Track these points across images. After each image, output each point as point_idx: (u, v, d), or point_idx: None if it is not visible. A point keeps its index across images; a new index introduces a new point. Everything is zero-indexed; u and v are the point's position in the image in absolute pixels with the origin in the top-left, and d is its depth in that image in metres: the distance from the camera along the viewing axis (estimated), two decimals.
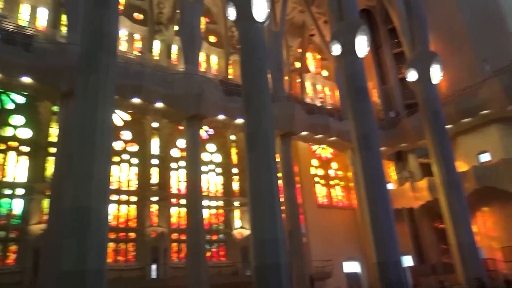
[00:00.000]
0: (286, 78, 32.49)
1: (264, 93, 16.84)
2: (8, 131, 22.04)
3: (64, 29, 23.24)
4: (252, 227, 15.20)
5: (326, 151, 34.42)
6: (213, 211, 27.54)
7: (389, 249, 17.21)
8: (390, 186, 28.89)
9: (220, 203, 27.96)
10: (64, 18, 23.75)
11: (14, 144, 22.00)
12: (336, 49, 21.32)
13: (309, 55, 37.66)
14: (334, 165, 34.54)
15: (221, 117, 24.63)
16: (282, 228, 14.96)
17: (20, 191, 21.34)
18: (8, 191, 21.09)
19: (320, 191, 32.74)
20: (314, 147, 33.49)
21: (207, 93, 23.17)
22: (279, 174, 21.55)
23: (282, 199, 16.72)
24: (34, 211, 21.11)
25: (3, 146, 21.67)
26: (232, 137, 29.98)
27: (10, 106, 22.41)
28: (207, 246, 24.20)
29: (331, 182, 33.78)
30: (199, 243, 21.05)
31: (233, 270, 25.64)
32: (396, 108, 34.34)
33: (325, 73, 38.25)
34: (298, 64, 35.80)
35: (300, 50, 36.15)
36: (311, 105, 32.84)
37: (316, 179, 32.89)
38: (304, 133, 28.21)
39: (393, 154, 33.54)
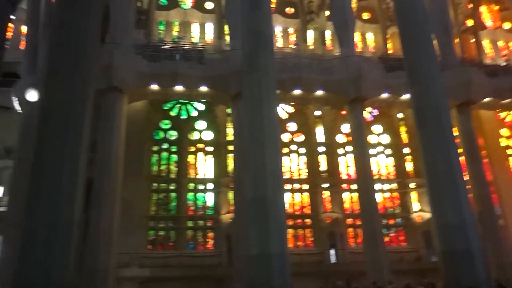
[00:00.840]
0: (457, 40, 28.59)
1: (430, 62, 15.23)
2: (195, 135, 25.73)
3: (227, 38, 25.69)
4: (432, 210, 13.97)
5: None
6: (387, 194, 26.35)
7: None
8: None
9: (394, 185, 26.56)
10: (226, 28, 26.24)
11: (201, 146, 25.56)
12: None
13: (483, 8, 32.25)
14: None
15: (384, 95, 23.35)
16: (470, 209, 13.26)
17: (210, 185, 24.68)
18: (201, 186, 24.66)
19: None
20: (503, 114, 28.57)
21: (367, 73, 22.30)
22: (459, 150, 19.20)
23: (466, 177, 14.80)
24: (223, 202, 24.08)
25: (193, 149, 25.41)
26: (400, 115, 28.02)
27: (194, 113, 26.07)
28: (384, 231, 23.34)
29: None
30: (375, 228, 20.50)
31: (416, 256, 24.07)
32: None
33: (507, 25, 32.20)
34: (470, 22, 31.05)
35: (471, 6, 31.25)
36: (492, 66, 28.10)
37: (510, 151, 28.03)
38: (487, 99, 24.37)
39: None
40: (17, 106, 22.32)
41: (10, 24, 18.73)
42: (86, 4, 11.52)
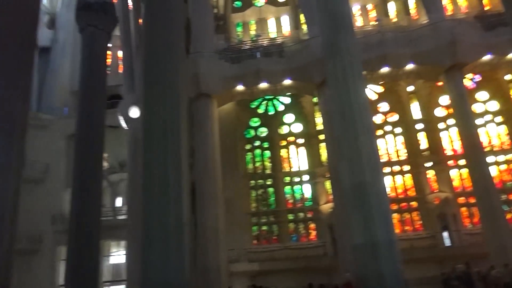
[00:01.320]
0: None
1: None
2: (284, 129, 25.93)
3: (304, 27, 25.36)
4: None
5: None
6: (503, 166, 23.59)
7: None
8: None
9: (510, 156, 23.70)
10: (302, 18, 25.89)
11: (291, 139, 25.69)
12: None
13: None
14: None
15: (486, 57, 20.97)
16: None
17: (305, 177, 24.69)
18: (297, 179, 24.80)
19: None
20: None
21: (462, 36, 20.25)
22: None
23: None
24: (321, 193, 23.90)
25: (284, 142, 25.64)
26: (508, 77, 24.89)
27: (280, 108, 26.28)
28: (504, 207, 20.96)
29: None
30: (492, 205, 18.55)
31: None
32: None
33: None
34: None
35: None
36: None
37: None
38: None
39: None
40: (123, 123, 24.77)
41: (108, 52, 20.86)
42: (169, 21, 12.25)
